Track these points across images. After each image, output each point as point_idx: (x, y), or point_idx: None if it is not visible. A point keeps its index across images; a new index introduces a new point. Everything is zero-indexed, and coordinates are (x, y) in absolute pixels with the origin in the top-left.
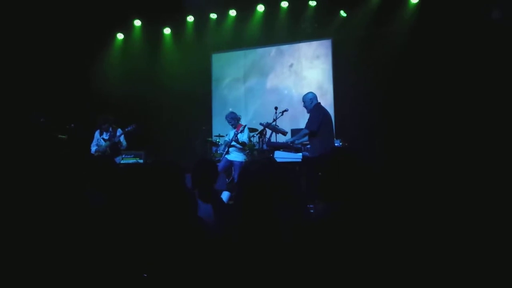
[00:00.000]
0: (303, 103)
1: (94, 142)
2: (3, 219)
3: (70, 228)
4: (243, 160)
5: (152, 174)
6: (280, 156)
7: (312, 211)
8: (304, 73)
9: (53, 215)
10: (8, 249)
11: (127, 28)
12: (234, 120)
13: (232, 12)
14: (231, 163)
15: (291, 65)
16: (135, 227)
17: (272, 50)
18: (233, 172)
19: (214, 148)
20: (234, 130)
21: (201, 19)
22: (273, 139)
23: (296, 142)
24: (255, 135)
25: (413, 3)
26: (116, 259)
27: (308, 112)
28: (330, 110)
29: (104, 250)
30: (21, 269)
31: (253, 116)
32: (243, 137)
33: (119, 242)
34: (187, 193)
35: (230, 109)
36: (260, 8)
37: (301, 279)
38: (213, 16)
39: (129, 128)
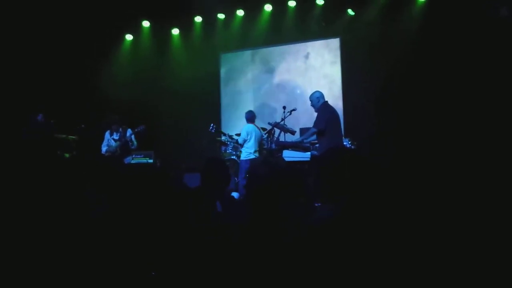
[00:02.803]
0: (310, 102)
1: (105, 143)
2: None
3: (71, 229)
4: (244, 158)
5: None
6: (289, 155)
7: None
8: (314, 72)
9: (54, 216)
10: (7, 251)
11: (135, 29)
12: (246, 118)
13: (240, 12)
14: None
15: (306, 55)
16: (135, 229)
17: (281, 49)
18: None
19: (223, 148)
20: None
21: (209, 19)
22: (282, 139)
23: (305, 141)
24: (264, 134)
25: (421, 1)
26: (116, 261)
27: (315, 111)
28: (339, 108)
29: (104, 253)
30: (20, 271)
31: (262, 115)
32: (240, 138)
33: (119, 244)
34: (185, 194)
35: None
36: (268, 7)
37: (309, 276)
38: (221, 16)
39: (138, 129)
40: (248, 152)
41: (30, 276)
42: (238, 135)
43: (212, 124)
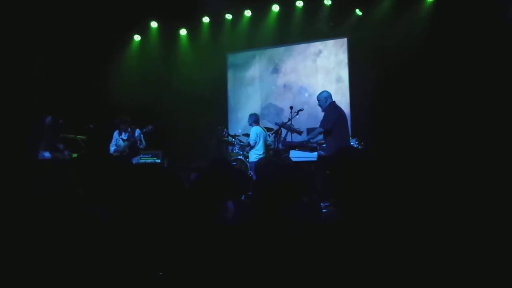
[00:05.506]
0: (318, 102)
1: (113, 142)
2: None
3: (76, 228)
4: (254, 160)
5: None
6: (296, 155)
7: (325, 210)
8: (322, 72)
9: (58, 215)
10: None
11: (143, 30)
12: (253, 121)
13: (248, 13)
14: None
15: (315, 55)
16: (141, 228)
17: (288, 49)
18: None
19: (230, 148)
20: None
21: (217, 20)
22: (289, 139)
23: (311, 141)
24: (270, 135)
25: (429, 1)
26: (121, 260)
27: (322, 111)
28: (346, 108)
29: (110, 252)
30: (23, 271)
31: (269, 115)
32: (250, 140)
33: (124, 243)
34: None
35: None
36: (275, 8)
37: (312, 275)
38: (229, 16)
39: (146, 129)
40: (257, 154)
41: (33, 276)
42: (245, 135)
43: (225, 130)
